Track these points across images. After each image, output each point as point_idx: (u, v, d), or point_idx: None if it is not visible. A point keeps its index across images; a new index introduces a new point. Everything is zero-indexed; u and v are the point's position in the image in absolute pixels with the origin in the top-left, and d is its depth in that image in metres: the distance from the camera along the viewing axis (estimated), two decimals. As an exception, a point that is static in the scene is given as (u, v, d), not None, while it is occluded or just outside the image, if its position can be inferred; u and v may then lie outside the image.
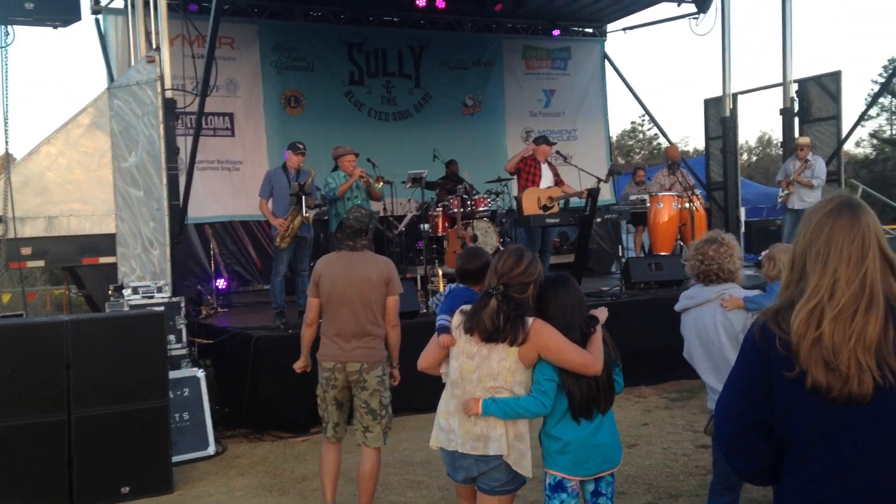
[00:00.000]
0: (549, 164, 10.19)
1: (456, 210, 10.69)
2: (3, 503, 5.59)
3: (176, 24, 9.10)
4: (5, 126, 8.64)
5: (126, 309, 7.33)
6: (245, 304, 11.10)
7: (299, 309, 8.84)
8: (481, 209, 11.27)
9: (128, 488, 6.01)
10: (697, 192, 10.96)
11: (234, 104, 12.74)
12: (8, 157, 12.45)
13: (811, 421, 2.11)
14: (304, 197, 8.52)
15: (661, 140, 30.87)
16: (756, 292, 4.20)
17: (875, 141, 39.20)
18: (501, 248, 11.70)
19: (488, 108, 14.82)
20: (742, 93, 13.47)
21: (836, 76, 12.18)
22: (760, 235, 11.85)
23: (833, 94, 12.12)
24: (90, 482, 5.89)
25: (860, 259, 2.12)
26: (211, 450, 7.07)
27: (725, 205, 13.02)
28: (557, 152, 10.29)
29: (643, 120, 31.19)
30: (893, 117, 40.43)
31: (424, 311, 8.47)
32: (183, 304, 7.74)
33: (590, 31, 15.84)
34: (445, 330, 3.75)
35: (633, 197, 11.67)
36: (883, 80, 43.37)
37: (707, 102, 13.88)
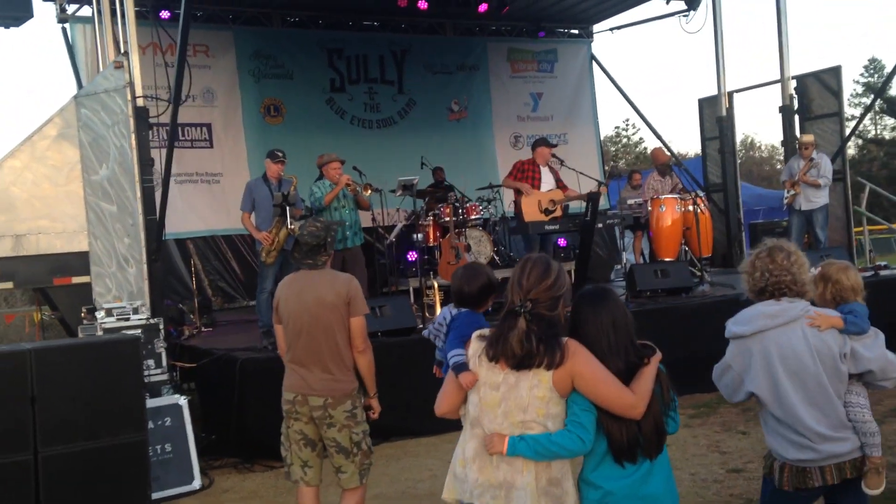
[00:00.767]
0: (550, 168, 9.74)
1: (448, 219, 10.23)
2: (-36, 555, 5.03)
3: (149, 33, 8.70)
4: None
5: (99, 333, 6.78)
6: (230, 321, 10.58)
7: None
8: (473, 217, 10.87)
9: (104, 533, 5.45)
10: (700, 193, 10.51)
11: (211, 114, 12.30)
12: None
13: None
14: (288, 208, 8.01)
15: (647, 144, 30.62)
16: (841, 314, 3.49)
17: (860, 141, 39.19)
18: (496, 258, 11.43)
19: (474, 113, 14.41)
20: (738, 91, 13.15)
21: (836, 71, 11.83)
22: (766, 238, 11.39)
23: (834, 91, 11.77)
24: (61, 528, 5.32)
25: None
26: (196, 484, 6.54)
27: (726, 207, 12.67)
28: (554, 156, 9.83)
29: (627, 124, 30.86)
30: (877, 117, 40.46)
31: (421, 326, 7.97)
32: (162, 326, 7.20)
33: (576, 32, 15.44)
34: (464, 367, 3.14)
35: (630, 201, 11.20)
36: (865, 80, 43.63)
37: (701, 102, 13.55)
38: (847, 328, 3.38)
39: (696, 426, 7.27)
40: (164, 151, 7.94)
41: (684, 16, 13.31)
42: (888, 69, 30.29)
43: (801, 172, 10.58)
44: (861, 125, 37.92)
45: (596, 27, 15.43)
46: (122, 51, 7.94)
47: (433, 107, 14.02)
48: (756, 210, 17.48)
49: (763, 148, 53.34)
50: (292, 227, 8.01)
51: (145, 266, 7.74)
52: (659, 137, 14.55)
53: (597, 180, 9.50)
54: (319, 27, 13.32)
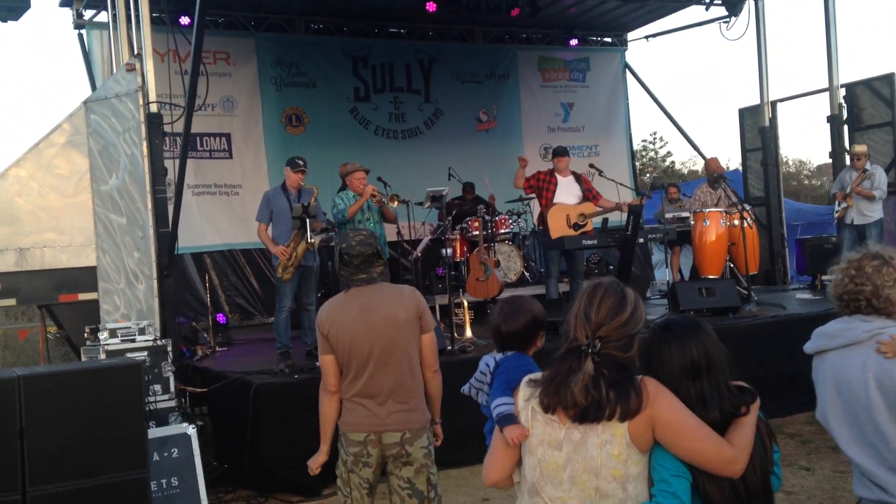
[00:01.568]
0: (577, 177, 9.15)
1: (476, 233, 9.68)
2: None
3: (167, 40, 8.36)
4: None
5: (102, 356, 6.27)
6: (247, 340, 10.12)
7: (307, 348, 7.91)
8: (502, 231, 10.34)
9: (100, 580, 4.90)
10: (747, 207, 9.88)
11: (231, 124, 11.90)
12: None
13: None
14: (308, 220, 7.49)
15: (674, 158, 29.88)
16: None
17: None
18: (526, 274, 10.84)
19: (504, 123, 13.91)
20: (781, 100, 12.54)
21: (889, 79, 11.19)
22: (816, 254, 10.76)
23: (887, 99, 11.12)
24: (53, 575, 4.78)
25: None
26: (205, 521, 6.00)
27: (768, 221, 12.04)
28: (591, 165, 9.25)
29: (654, 138, 30.12)
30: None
31: (450, 347, 7.42)
32: (170, 348, 6.67)
33: (609, 40, 14.90)
34: (511, 419, 2.59)
35: (669, 215, 10.57)
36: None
37: (742, 112, 12.93)
38: None
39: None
40: (177, 162, 7.49)
41: (724, 22, 12.74)
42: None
43: (854, 183, 9.95)
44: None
45: (630, 35, 14.90)
46: (136, 52, 7.50)
47: (461, 116, 13.57)
48: (794, 225, 16.78)
49: (790, 163, 52.41)
50: (312, 240, 7.50)
51: (155, 282, 7.30)
52: (696, 149, 14.01)
53: (640, 192, 8.90)
54: (344, 34, 12.91)
